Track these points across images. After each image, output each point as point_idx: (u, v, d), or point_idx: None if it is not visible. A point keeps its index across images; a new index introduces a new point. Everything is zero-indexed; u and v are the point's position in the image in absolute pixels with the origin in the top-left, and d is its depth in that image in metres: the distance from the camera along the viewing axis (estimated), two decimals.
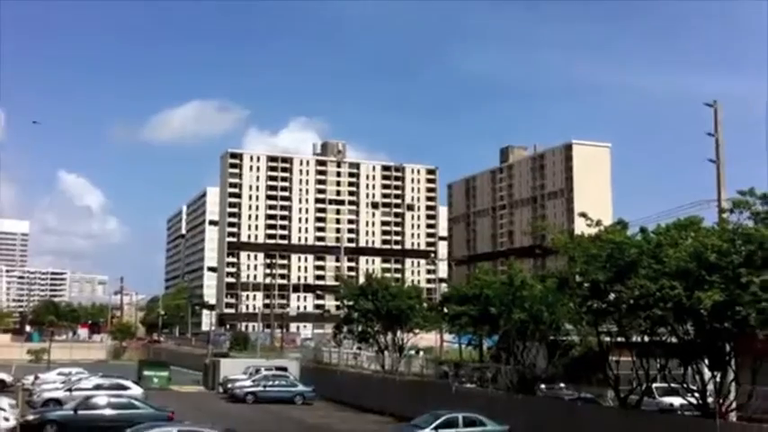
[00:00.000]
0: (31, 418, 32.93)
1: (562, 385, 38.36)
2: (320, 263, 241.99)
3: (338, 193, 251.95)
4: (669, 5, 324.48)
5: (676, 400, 30.52)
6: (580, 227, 32.09)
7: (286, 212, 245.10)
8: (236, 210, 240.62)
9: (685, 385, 27.59)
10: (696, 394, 26.79)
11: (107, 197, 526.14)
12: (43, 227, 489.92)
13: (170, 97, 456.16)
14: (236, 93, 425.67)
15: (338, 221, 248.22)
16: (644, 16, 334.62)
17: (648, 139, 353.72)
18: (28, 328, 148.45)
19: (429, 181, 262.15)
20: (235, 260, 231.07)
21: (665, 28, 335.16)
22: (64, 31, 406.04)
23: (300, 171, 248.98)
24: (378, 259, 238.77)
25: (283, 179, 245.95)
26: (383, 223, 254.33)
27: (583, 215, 30.13)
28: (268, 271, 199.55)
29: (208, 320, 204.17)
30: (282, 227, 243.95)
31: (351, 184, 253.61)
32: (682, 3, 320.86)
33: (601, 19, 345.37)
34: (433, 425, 31.02)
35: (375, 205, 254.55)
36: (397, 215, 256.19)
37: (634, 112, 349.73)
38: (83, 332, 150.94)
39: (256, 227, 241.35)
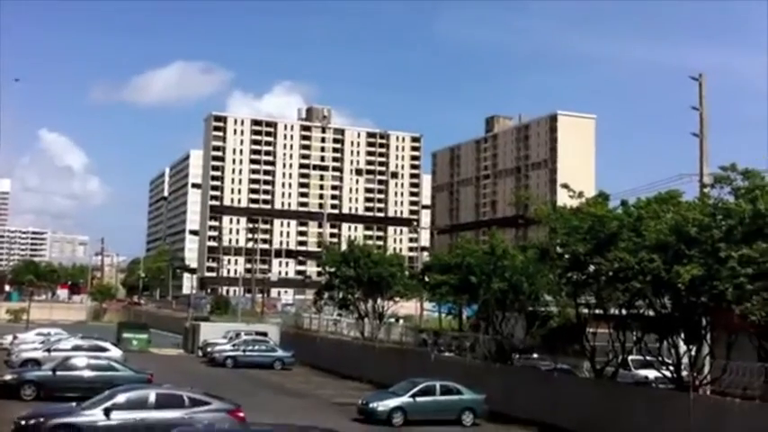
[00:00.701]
0: (8, 378, 32.80)
1: (535, 356, 38.63)
2: (303, 228, 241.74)
3: (322, 158, 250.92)
4: None
5: (651, 373, 30.81)
6: (563, 198, 32.13)
7: (269, 177, 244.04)
8: (219, 173, 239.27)
9: (661, 358, 27.85)
10: (671, 367, 27.04)
11: (89, 157, 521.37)
12: (24, 185, 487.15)
13: (153, 58, 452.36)
14: (221, 55, 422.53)
15: (322, 187, 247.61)
16: None
17: (633, 111, 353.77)
18: (7, 288, 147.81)
19: (413, 149, 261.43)
20: (217, 224, 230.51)
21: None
22: None
23: (285, 136, 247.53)
24: (360, 226, 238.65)
25: (267, 143, 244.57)
26: (367, 190, 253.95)
27: (565, 186, 30.16)
28: (250, 235, 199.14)
29: (189, 284, 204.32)
30: (266, 191, 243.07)
31: (335, 150, 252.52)
32: None
33: None
34: (411, 392, 31.23)
35: (359, 172, 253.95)
36: (380, 182, 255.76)
37: (620, 84, 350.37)
38: (62, 293, 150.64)
39: (239, 191, 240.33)
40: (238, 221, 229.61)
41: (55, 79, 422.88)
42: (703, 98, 31.27)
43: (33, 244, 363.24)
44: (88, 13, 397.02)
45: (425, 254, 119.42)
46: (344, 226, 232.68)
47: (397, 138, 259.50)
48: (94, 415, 21.66)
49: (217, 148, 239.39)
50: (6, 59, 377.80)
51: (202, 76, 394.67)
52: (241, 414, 22.29)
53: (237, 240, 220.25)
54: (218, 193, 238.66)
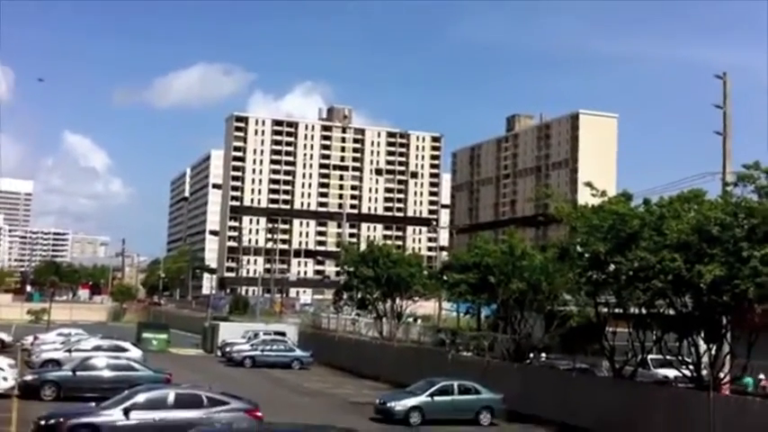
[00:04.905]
0: (29, 378, 33.02)
1: (554, 355, 38.39)
2: (322, 228, 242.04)
3: (342, 158, 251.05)
4: None
5: (671, 372, 30.55)
6: (584, 197, 31.90)
7: (289, 177, 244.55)
8: (239, 173, 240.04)
9: (680, 357, 27.59)
10: (691, 366, 26.79)
11: (111, 158, 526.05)
12: (47, 187, 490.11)
13: (175, 60, 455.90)
14: (242, 57, 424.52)
15: (341, 187, 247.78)
16: None
17: (656, 110, 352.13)
18: (29, 289, 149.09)
19: (434, 149, 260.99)
20: (237, 224, 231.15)
21: None
22: None
23: (305, 136, 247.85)
24: (380, 226, 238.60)
25: (288, 144, 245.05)
26: (386, 190, 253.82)
27: (588, 185, 29.88)
28: (269, 236, 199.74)
29: (208, 284, 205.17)
30: (285, 191, 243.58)
31: (355, 150, 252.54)
32: None
33: None
34: (429, 392, 31.13)
35: (379, 172, 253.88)
36: (400, 182, 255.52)
37: (642, 83, 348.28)
38: (83, 293, 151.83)
39: (259, 191, 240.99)
40: (258, 222, 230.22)
41: (78, 82, 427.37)
42: (727, 96, 30.92)
43: (55, 245, 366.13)
44: (110, 17, 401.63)
45: (444, 253, 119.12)
46: (364, 226, 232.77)
47: (417, 137, 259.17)
48: (114, 415, 21.71)
49: (237, 149, 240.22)
50: (31, 61, 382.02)
51: (224, 78, 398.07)
52: (259, 413, 22.32)
53: (257, 240, 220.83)
54: (238, 194, 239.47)
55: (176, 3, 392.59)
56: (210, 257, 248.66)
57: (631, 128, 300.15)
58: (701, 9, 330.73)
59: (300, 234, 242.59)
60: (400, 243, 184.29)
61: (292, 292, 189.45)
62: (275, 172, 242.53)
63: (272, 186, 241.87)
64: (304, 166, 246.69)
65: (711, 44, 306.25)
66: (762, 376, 27.17)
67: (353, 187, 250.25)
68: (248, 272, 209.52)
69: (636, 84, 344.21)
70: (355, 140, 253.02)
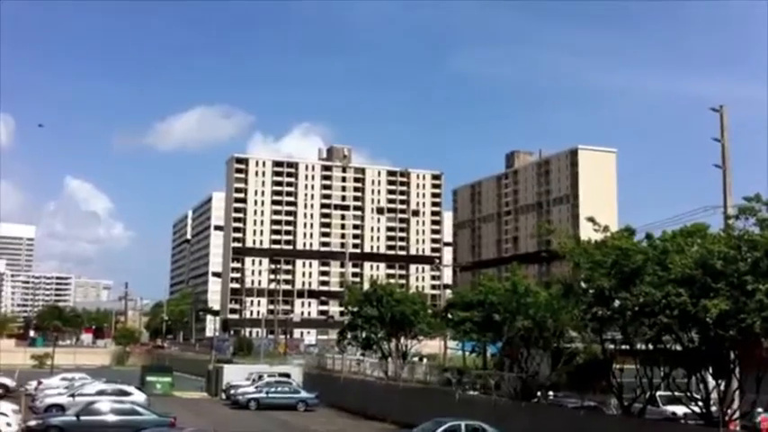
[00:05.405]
0: (33, 423, 32.90)
1: (561, 393, 38.09)
2: (325, 268, 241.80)
3: (343, 198, 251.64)
4: (674, 8, 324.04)
5: (680, 409, 30.31)
6: (586, 233, 31.88)
7: (291, 218, 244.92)
8: (241, 215, 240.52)
9: (689, 394, 27.39)
10: (700, 403, 26.59)
11: (113, 202, 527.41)
12: (49, 232, 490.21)
13: (174, 104, 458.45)
14: (240, 99, 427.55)
15: (343, 227, 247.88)
16: (650, 20, 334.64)
17: (655, 144, 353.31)
18: (32, 333, 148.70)
19: (434, 186, 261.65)
20: (239, 265, 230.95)
21: (672, 31, 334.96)
22: (69, 38, 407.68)
23: (306, 176, 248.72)
24: (382, 265, 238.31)
25: (289, 184, 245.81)
26: (388, 229, 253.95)
27: (591, 220, 29.92)
28: (272, 276, 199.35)
29: (212, 326, 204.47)
30: (287, 232, 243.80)
31: (356, 189, 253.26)
32: (687, 6, 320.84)
33: (607, 23, 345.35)
34: None
35: (380, 211, 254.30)
36: (402, 221, 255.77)
37: (640, 118, 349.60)
38: (87, 337, 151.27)
39: (261, 232, 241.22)
40: (261, 263, 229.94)
41: (78, 127, 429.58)
42: (725, 129, 31.07)
43: (58, 289, 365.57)
44: (109, 62, 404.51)
45: (448, 291, 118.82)
46: (366, 265, 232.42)
47: (418, 176, 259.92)
48: None
49: (239, 190, 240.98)
50: (30, 107, 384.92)
51: (223, 120, 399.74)
52: None
53: (260, 282, 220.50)
54: (240, 235, 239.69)
55: (173, 47, 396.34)
56: (213, 299, 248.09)
57: (631, 162, 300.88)
58: (697, 43, 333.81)
59: (303, 274, 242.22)
60: (403, 281, 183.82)
61: (296, 332, 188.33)
62: (277, 213, 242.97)
63: (274, 227, 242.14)
64: (305, 206, 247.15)
65: (708, 77, 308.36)
66: (759, 410, 26.92)
67: (355, 226, 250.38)
68: (252, 313, 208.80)
69: (634, 118, 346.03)
70: (356, 179, 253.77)
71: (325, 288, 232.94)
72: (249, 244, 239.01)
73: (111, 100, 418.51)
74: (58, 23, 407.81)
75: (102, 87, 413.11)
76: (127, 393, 41.36)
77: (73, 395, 41.28)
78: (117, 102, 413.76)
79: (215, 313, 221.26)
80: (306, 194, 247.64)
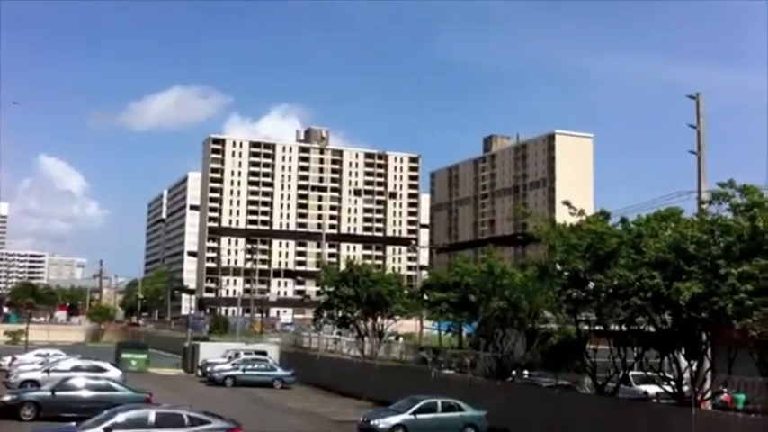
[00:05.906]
0: (8, 398, 32.76)
1: (536, 372, 38.56)
2: (302, 249, 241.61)
3: (321, 179, 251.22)
4: None
5: (652, 389, 30.76)
6: (562, 216, 32.22)
7: (268, 198, 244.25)
8: (217, 195, 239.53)
9: (662, 374, 27.84)
10: (672, 383, 27.03)
11: (88, 181, 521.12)
12: (23, 209, 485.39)
13: (151, 83, 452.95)
14: (218, 79, 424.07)
15: (320, 208, 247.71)
16: (630, 5, 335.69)
17: (631, 129, 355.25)
18: (6, 310, 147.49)
19: (412, 169, 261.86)
20: (215, 245, 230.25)
21: (651, 17, 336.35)
22: (45, 17, 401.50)
23: (283, 157, 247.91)
24: (359, 246, 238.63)
25: (266, 165, 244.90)
26: (365, 210, 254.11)
27: (566, 204, 30.23)
28: (249, 256, 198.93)
29: (187, 305, 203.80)
30: (264, 212, 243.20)
31: (333, 170, 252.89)
32: None
33: (587, 8, 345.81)
34: (412, 409, 31.19)
35: (357, 192, 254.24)
36: (379, 202, 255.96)
37: (618, 103, 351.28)
38: (61, 314, 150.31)
39: (238, 212, 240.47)
40: (237, 242, 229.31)
41: (54, 105, 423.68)
42: (701, 116, 31.41)
43: (32, 267, 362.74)
44: (86, 41, 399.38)
45: (424, 272, 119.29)
46: (343, 246, 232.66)
47: (395, 158, 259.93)
48: None
49: (215, 171, 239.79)
50: (6, 85, 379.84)
51: (200, 101, 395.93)
52: None
53: (236, 261, 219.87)
54: (216, 215, 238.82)
55: (151, 27, 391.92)
56: (189, 278, 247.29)
57: (607, 147, 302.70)
58: (678, 29, 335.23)
59: (280, 254, 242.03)
60: (380, 262, 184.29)
61: (272, 311, 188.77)
62: (253, 193, 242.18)
63: (251, 207, 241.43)
64: (282, 187, 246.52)
65: (687, 63, 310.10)
66: (724, 389, 27.43)
67: (332, 207, 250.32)
68: (228, 292, 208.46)
69: (613, 103, 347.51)
70: (333, 161, 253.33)
71: (301, 268, 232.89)
72: (225, 224, 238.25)
73: (87, 79, 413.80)
74: (34, 2, 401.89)
75: (78, 66, 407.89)
76: (102, 369, 41.25)
77: (48, 371, 41.13)
78: (93, 81, 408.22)
79: (191, 292, 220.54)
80: (283, 175, 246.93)
